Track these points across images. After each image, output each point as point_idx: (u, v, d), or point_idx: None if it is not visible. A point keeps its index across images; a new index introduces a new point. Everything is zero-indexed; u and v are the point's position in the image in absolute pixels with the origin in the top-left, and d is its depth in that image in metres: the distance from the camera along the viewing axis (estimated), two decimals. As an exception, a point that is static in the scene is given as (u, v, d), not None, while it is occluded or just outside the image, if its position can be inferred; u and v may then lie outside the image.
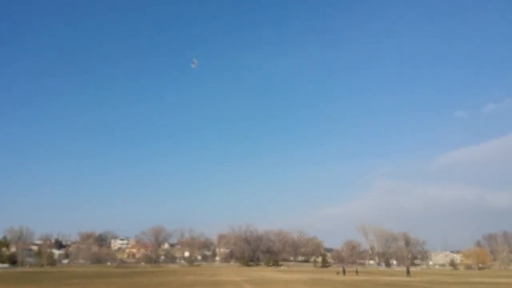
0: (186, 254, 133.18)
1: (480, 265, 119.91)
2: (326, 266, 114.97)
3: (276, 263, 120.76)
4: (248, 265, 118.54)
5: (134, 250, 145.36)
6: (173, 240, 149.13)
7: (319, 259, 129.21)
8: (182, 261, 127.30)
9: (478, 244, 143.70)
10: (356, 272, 66.95)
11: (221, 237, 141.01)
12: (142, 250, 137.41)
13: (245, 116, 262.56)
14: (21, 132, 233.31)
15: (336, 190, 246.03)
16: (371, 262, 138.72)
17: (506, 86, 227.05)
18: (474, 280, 45.85)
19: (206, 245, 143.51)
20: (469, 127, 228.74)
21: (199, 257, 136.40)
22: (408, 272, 61.86)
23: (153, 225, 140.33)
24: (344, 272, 63.35)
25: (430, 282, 39.57)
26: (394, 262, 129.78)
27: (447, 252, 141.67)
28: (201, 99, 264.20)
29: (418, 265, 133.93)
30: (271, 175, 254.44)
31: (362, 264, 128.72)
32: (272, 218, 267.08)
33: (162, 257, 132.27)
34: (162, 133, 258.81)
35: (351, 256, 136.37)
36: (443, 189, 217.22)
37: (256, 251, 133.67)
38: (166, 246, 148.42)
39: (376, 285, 34.58)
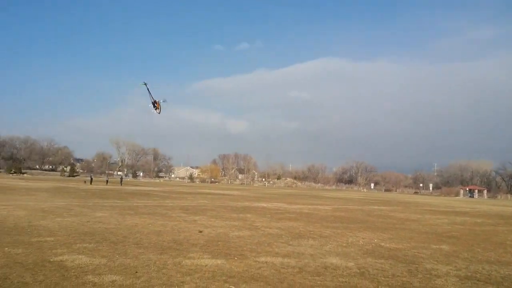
0: None
1: (213, 179, 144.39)
2: (74, 176, 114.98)
3: (19, 171, 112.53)
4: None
5: None
6: None
7: (67, 168, 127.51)
8: None
9: (214, 162, 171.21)
10: (107, 182, 70.37)
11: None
12: None
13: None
14: None
15: (92, 102, 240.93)
16: (120, 173, 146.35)
17: (256, 29, 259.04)
18: (203, 191, 57.44)
19: None
20: (223, 60, 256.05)
21: None
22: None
23: None
24: (91, 181, 66.29)
25: (168, 192, 48.15)
26: (141, 174, 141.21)
27: (188, 167, 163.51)
28: None
29: (162, 177, 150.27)
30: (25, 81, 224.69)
31: (111, 175, 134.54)
32: (19, 125, 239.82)
33: None
34: None
35: (101, 167, 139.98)
36: (192, 112, 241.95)
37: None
38: None
39: (119, 193, 40.03)
